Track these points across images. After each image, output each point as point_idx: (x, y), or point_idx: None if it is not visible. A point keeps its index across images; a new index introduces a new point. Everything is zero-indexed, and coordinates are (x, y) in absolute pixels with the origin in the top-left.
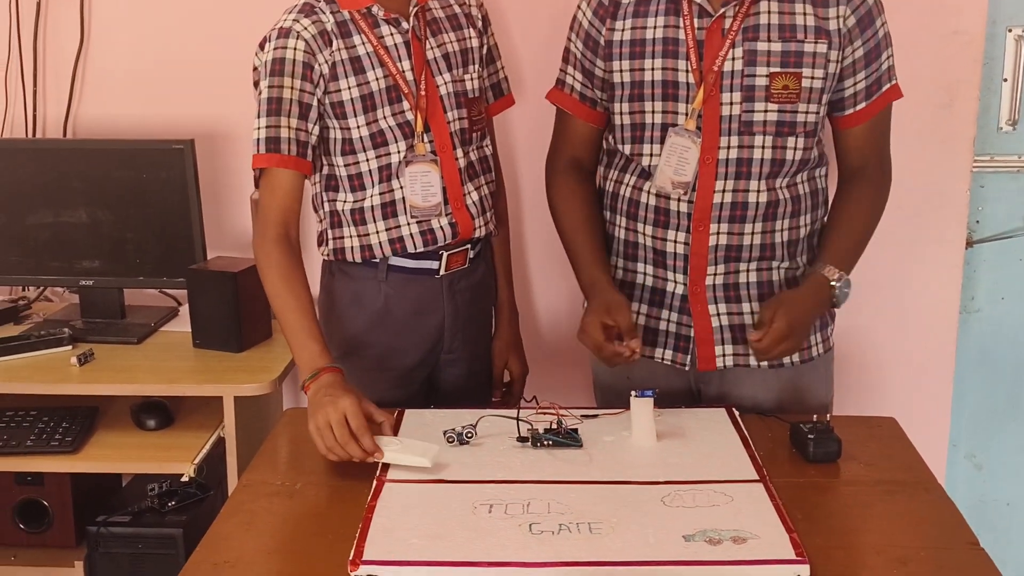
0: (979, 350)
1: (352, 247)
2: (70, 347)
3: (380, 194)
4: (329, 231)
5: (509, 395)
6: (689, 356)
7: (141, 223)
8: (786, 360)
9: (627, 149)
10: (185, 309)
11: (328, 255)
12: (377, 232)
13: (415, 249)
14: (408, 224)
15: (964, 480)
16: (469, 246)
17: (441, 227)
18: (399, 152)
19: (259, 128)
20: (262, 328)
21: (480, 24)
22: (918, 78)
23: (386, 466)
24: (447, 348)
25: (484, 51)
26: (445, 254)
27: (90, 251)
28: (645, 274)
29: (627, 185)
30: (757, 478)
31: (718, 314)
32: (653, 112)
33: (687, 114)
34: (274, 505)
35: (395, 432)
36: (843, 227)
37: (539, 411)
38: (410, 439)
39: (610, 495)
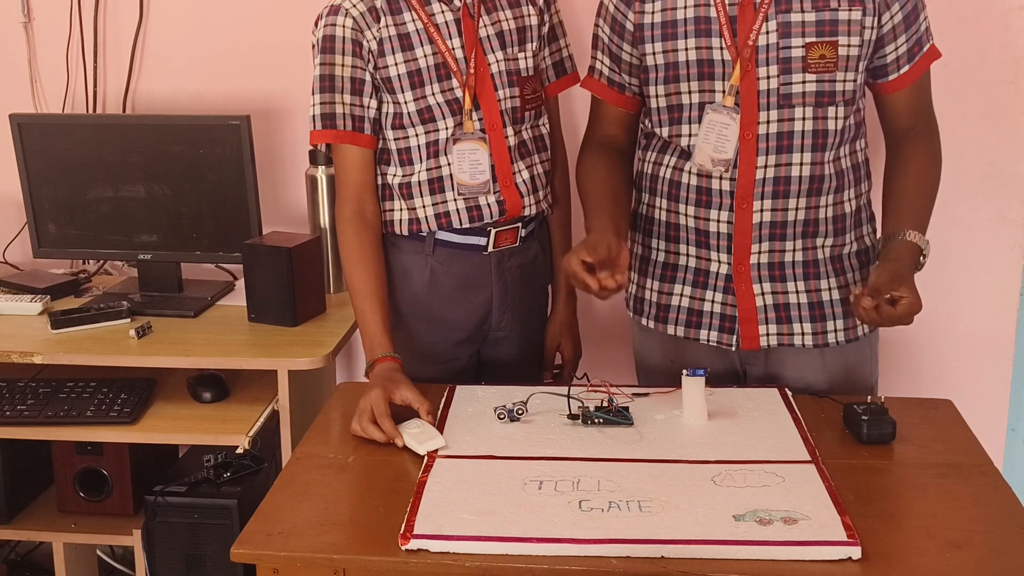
0: None
1: (400, 220)
2: (128, 320)
3: (428, 169)
4: (382, 204)
5: (560, 378)
6: (734, 337)
7: (198, 198)
8: (831, 339)
9: (665, 132)
10: (241, 283)
11: (384, 225)
12: (424, 207)
13: (461, 224)
14: (455, 200)
15: (1023, 463)
16: (520, 224)
17: (488, 204)
18: (447, 129)
19: (314, 104)
20: (316, 302)
21: (542, 2)
22: (983, 54)
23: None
24: (495, 325)
25: (546, 29)
26: (493, 231)
27: (148, 225)
28: (688, 255)
29: (667, 166)
30: (809, 459)
31: (762, 293)
32: (690, 92)
33: (724, 91)
34: (327, 477)
35: (447, 408)
36: (910, 188)
37: (590, 388)
38: (432, 428)
39: (660, 474)
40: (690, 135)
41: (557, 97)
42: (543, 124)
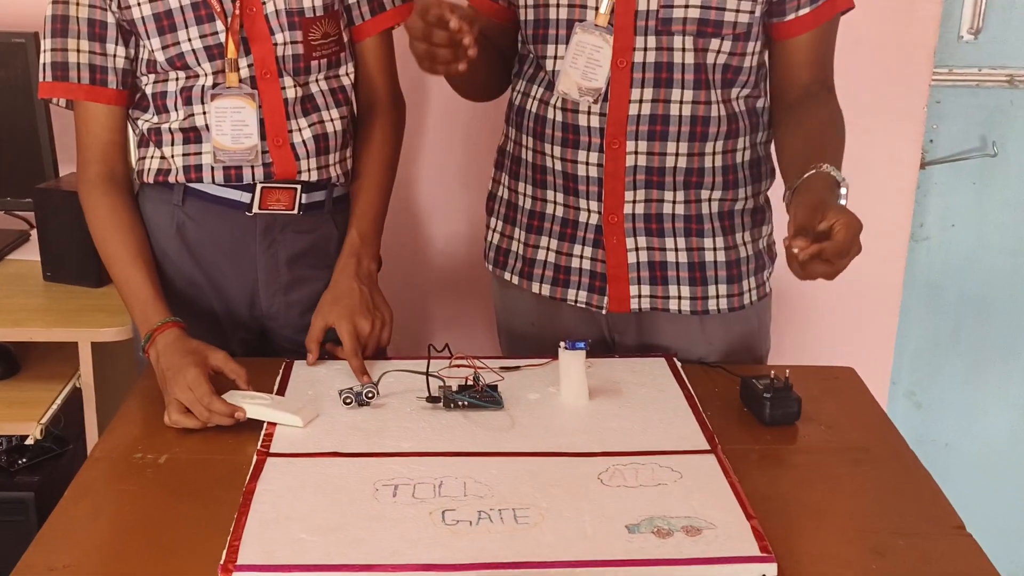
0: (925, 282)
1: (149, 168)
2: None
3: (183, 118)
4: (137, 151)
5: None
6: (604, 298)
7: None
8: (712, 306)
9: (533, 51)
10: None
11: (134, 177)
12: (173, 156)
13: (214, 181)
14: (211, 154)
15: (903, 419)
16: (299, 188)
17: (252, 167)
18: (206, 75)
19: (44, 51)
20: None
21: None
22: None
23: (270, 434)
24: (265, 311)
25: None
26: (260, 186)
27: None
28: (556, 203)
29: (533, 98)
30: (708, 448)
31: (636, 248)
32: (558, 5)
33: (597, 8)
34: (130, 486)
35: (282, 390)
36: (813, 134)
37: (453, 364)
38: (288, 399)
39: (538, 470)
40: (555, 56)
41: (385, 36)
42: (345, 74)
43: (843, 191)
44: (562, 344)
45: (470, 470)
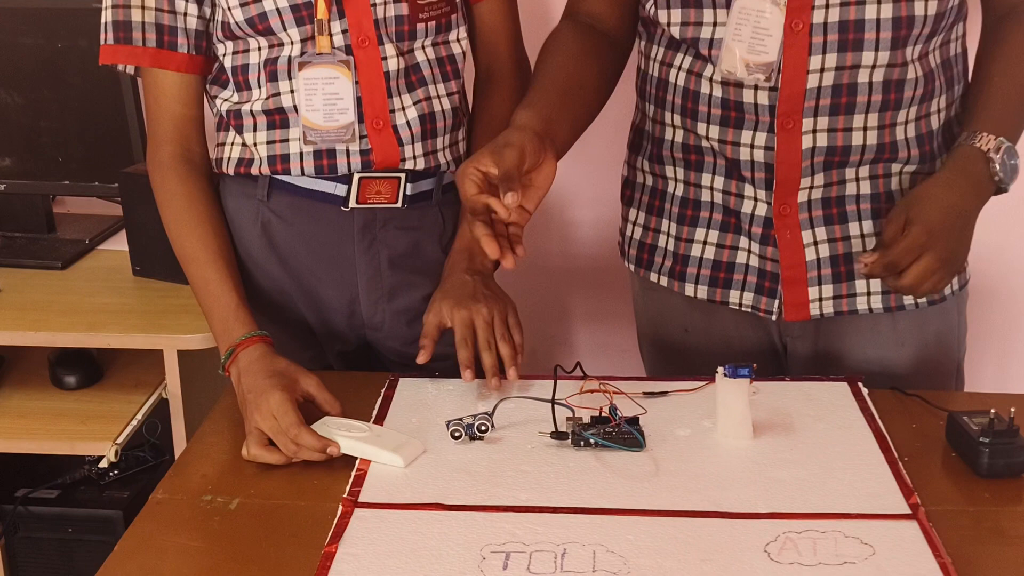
0: None
1: (229, 157)
2: None
3: (266, 98)
4: (217, 135)
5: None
6: (776, 302)
7: (60, 108)
8: (908, 300)
9: (672, 18)
10: None
11: (213, 165)
12: (256, 144)
13: (303, 174)
14: (299, 140)
15: None
16: (403, 176)
17: (348, 152)
18: (293, 44)
19: (105, 8)
20: None
21: None
22: None
23: (361, 476)
24: (368, 320)
25: None
26: (357, 176)
27: None
28: (713, 189)
29: (679, 69)
30: (908, 512)
31: (815, 242)
32: None
33: None
34: (192, 540)
35: (381, 416)
36: (995, 81)
37: (584, 390)
38: (389, 430)
39: (687, 536)
40: (713, 23)
41: (490, 2)
42: (457, 41)
43: (996, 167)
44: (721, 370)
45: (602, 534)
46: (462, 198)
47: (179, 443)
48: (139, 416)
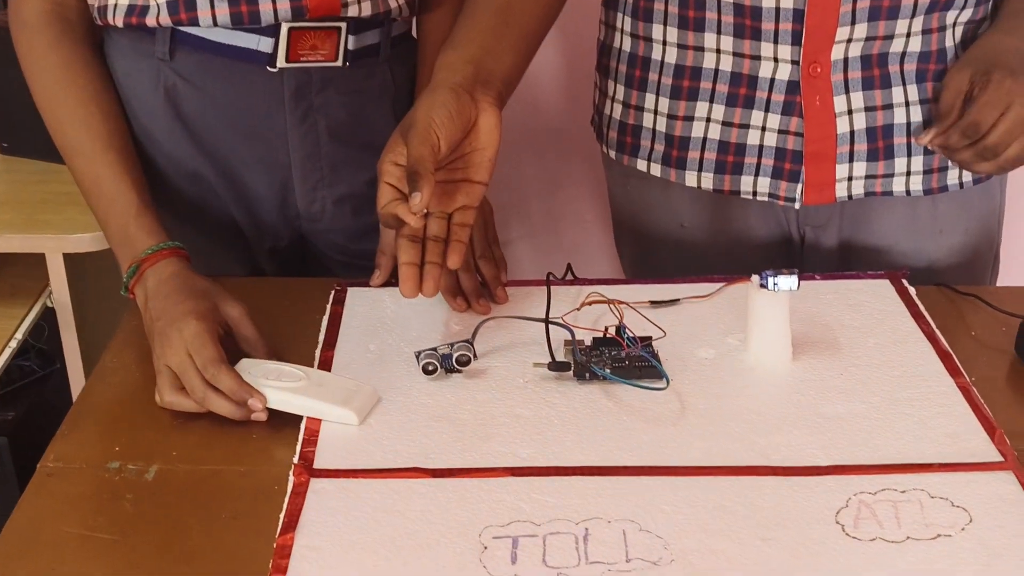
0: None
1: (116, 3)
2: None
3: None
4: None
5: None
6: (798, 185)
7: None
8: (952, 180)
9: None
10: None
11: (95, 17)
12: None
13: (215, 23)
14: None
15: None
16: (343, 25)
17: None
18: None
19: None
20: None
21: None
22: None
23: (313, 437)
24: (303, 210)
25: None
26: (286, 26)
27: None
28: (720, 51)
29: None
30: (999, 459)
31: (849, 111)
32: None
33: None
34: (100, 528)
35: (333, 336)
36: None
37: (584, 303)
38: (331, 375)
39: (737, 505)
40: None
41: None
42: None
43: None
44: (755, 279)
45: (630, 505)
46: (378, 208)
47: (72, 360)
48: (19, 336)
